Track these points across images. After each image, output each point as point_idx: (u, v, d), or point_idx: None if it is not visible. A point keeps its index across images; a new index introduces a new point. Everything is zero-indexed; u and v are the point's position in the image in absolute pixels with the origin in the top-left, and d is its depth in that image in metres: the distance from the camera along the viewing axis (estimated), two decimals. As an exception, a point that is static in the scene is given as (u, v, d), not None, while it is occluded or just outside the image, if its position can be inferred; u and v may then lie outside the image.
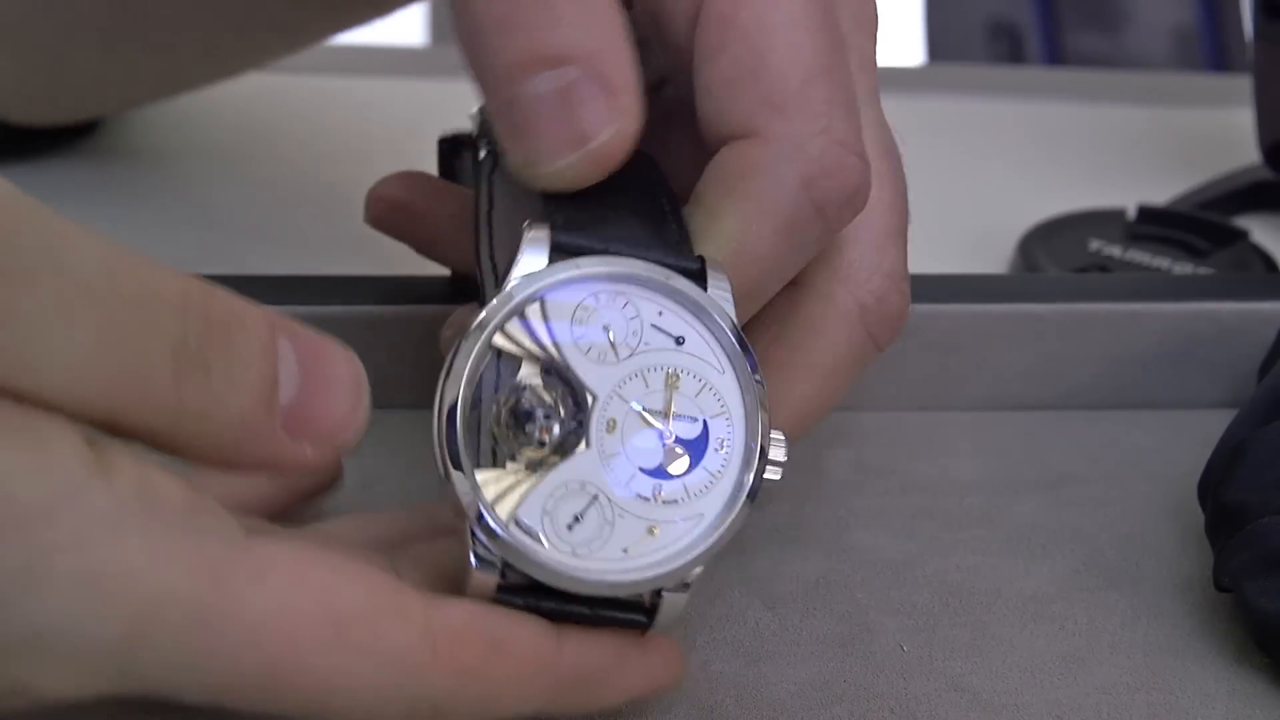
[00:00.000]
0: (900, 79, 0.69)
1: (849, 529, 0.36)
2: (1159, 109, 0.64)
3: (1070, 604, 0.34)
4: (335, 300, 0.38)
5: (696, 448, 0.26)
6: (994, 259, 0.51)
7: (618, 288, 0.26)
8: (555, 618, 0.26)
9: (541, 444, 0.26)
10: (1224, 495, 0.33)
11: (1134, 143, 0.61)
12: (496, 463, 0.26)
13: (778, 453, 0.27)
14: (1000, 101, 0.65)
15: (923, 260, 0.38)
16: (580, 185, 0.27)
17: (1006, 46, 1.29)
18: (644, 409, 0.26)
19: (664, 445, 0.26)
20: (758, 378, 0.27)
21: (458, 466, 0.25)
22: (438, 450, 0.25)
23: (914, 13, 1.36)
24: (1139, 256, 0.49)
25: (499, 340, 0.26)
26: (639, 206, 0.28)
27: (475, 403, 0.26)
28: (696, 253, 0.28)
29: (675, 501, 0.26)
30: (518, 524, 0.25)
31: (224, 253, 0.48)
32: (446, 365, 0.26)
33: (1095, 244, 0.50)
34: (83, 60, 0.49)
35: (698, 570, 0.26)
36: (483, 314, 0.26)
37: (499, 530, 0.25)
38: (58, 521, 0.21)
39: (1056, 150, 0.61)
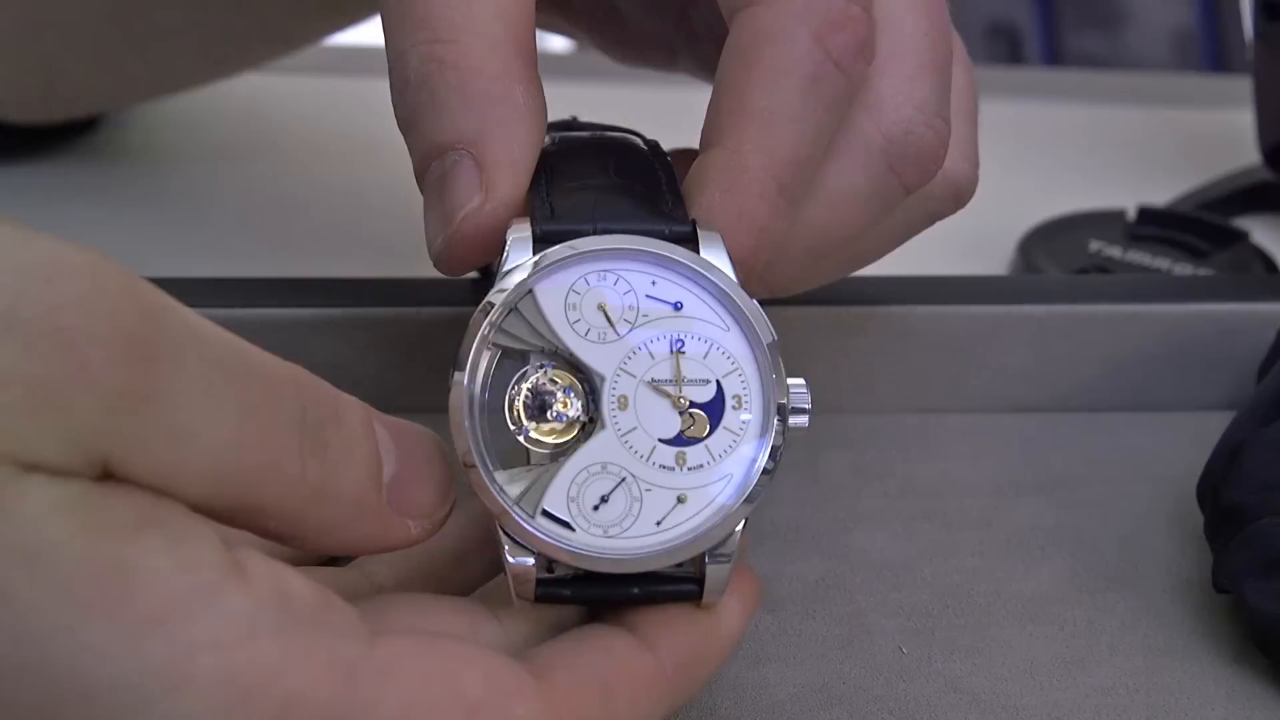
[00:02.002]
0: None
1: (848, 531, 0.36)
2: (1159, 110, 0.64)
3: (1069, 605, 0.34)
4: (335, 302, 0.38)
5: (713, 409, 0.26)
6: (994, 260, 0.51)
7: (605, 265, 0.26)
8: (607, 604, 0.26)
9: (563, 431, 0.26)
10: (1223, 497, 0.33)
11: (1134, 144, 0.61)
12: (518, 460, 0.26)
13: (800, 399, 0.27)
14: (1000, 102, 0.64)
15: (923, 261, 0.38)
16: (458, 268, 0.28)
17: (1006, 47, 1.29)
18: (653, 380, 0.26)
19: (679, 412, 0.26)
20: (768, 331, 0.27)
21: (478, 470, 0.25)
22: (459, 458, 0.25)
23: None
24: (1139, 257, 0.49)
25: (500, 339, 0.26)
26: (629, 185, 0.28)
27: (489, 404, 0.26)
28: (696, 220, 0.28)
29: (701, 466, 0.26)
30: (545, 514, 0.25)
31: (222, 253, 0.48)
32: (453, 372, 0.26)
33: (1095, 245, 0.50)
34: (78, 64, 0.49)
35: (737, 531, 0.26)
36: (478, 317, 0.26)
37: (526, 524, 0.25)
38: (197, 621, 0.21)
39: (1056, 151, 0.61)
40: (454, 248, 0.28)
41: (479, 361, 0.26)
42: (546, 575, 0.26)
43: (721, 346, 0.27)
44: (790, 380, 0.27)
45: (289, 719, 0.21)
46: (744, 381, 0.26)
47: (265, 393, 0.23)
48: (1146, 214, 0.51)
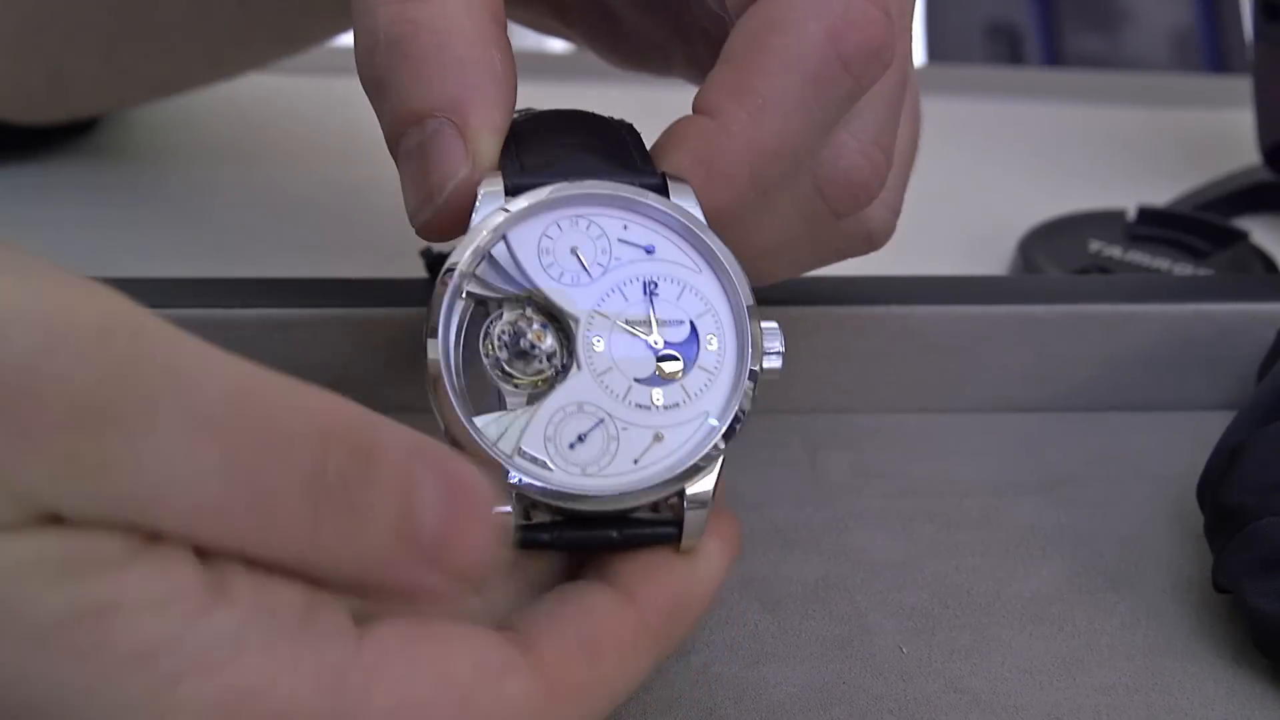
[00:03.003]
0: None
1: (848, 531, 0.36)
2: (1159, 110, 0.64)
3: (1069, 605, 0.34)
4: (335, 303, 0.38)
5: (688, 349, 0.27)
6: (994, 260, 0.51)
7: (577, 211, 0.27)
8: (585, 546, 0.26)
9: (538, 377, 0.26)
10: (1223, 496, 0.33)
11: (1134, 144, 0.61)
12: (497, 406, 0.26)
13: (773, 340, 0.27)
14: (1000, 103, 0.65)
15: (923, 261, 0.38)
16: (445, 236, 0.28)
17: (1006, 48, 1.29)
18: (627, 321, 0.26)
19: (654, 352, 0.26)
20: (740, 273, 0.27)
21: (458, 417, 0.25)
22: (435, 407, 0.25)
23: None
24: (1139, 257, 0.49)
25: (474, 288, 0.26)
26: (597, 144, 0.29)
27: (465, 354, 0.26)
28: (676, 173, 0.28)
29: (677, 405, 0.26)
30: (522, 454, 0.25)
31: (222, 253, 0.48)
32: (428, 323, 0.26)
33: (1095, 245, 0.50)
34: (83, 64, 0.49)
35: (715, 471, 0.26)
36: (450, 266, 0.26)
37: (505, 464, 0.25)
38: (180, 649, 0.20)
39: (1056, 151, 0.61)
40: (442, 216, 0.28)
41: (451, 316, 0.26)
42: (525, 522, 0.26)
43: (694, 288, 0.27)
44: (764, 323, 0.27)
45: None
46: (718, 321, 0.27)
47: (267, 445, 0.21)
48: (1146, 214, 0.51)
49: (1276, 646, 0.31)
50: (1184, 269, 0.48)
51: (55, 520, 0.20)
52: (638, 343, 0.26)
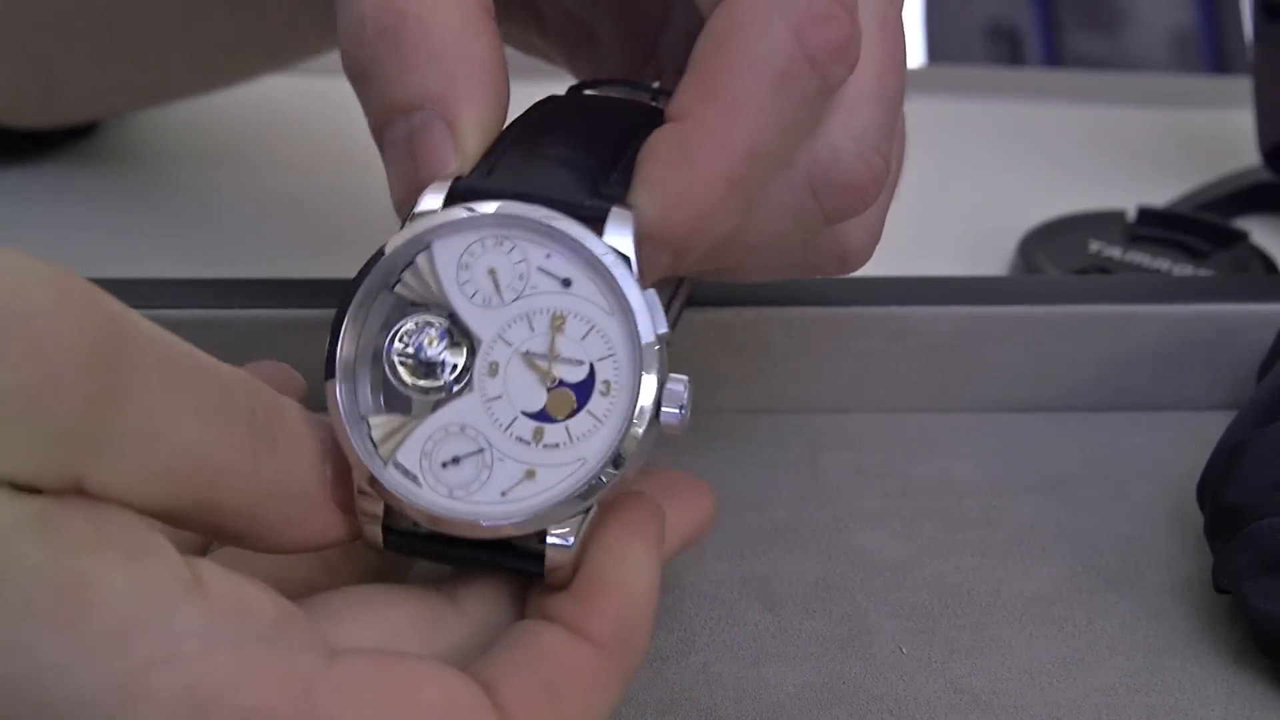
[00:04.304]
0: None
1: (848, 531, 0.36)
2: (1159, 110, 0.64)
3: (1069, 605, 0.34)
4: (335, 303, 0.38)
5: (581, 391, 0.26)
6: (994, 260, 0.51)
7: (503, 231, 0.26)
8: (451, 562, 0.26)
9: (432, 389, 0.26)
10: (1223, 497, 0.33)
11: (1134, 144, 0.61)
12: (393, 408, 0.26)
13: (674, 398, 0.26)
14: (1000, 103, 0.65)
15: (923, 262, 0.38)
16: None
17: (1006, 48, 1.29)
18: (528, 351, 0.26)
19: (546, 388, 0.26)
20: (657, 325, 0.26)
21: (343, 408, 0.25)
22: (329, 389, 0.26)
23: (913, 15, 1.36)
24: (1139, 258, 0.49)
25: (399, 288, 0.26)
26: (581, 158, 0.28)
27: (374, 350, 0.26)
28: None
29: (556, 445, 0.26)
30: (395, 465, 0.25)
31: (221, 255, 0.48)
32: (341, 311, 0.26)
33: (1095, 245, 0.50)
34: (76, 72, 0.50)
35: (587, 515, 0.26)
36: (377, 258, 0.26)
37: (376, 472, 0.25)
38: (153, 636, 0.21)
39: (1056, 152, 0.61)
40: None
41: (368, 307, 0.26)
42: (391, 524, 0.26)
43: (602, 330, 0.26)
44: (673, 375, 0.26)
45: None
46: (617, 370, 0.26)
47: (219, 394, 0.23)
48: (1146, 214, 0.51)
49: (1276, 647, 0.31)
50: (1184, 269, 0.48)
51: (67, 486, 0.21)
52: (532, 376, 0.26)
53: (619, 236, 0.26)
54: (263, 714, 0.21)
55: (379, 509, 0.26)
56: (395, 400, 0.26)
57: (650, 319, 0.26)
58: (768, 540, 0.36)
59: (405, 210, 0.28)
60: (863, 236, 0.32)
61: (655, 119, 0.28)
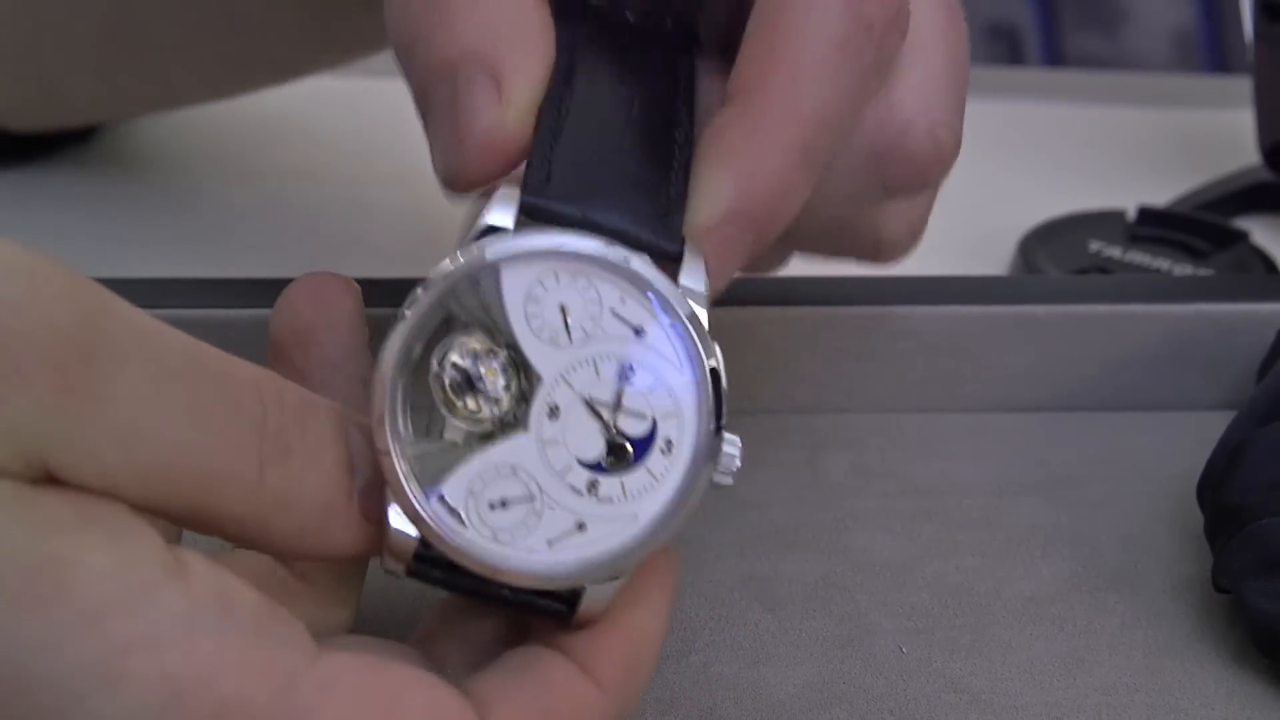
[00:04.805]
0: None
1: (848, 531, 0.36)
2: (1159, 110, 0.64)
3: (1069, 605, 0.34)
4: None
5: (641, 447, 0.25)
6: (994, 260, 0.51)
7: (579, 267, 0.25)
8: (475, 597, 0.25)
9: (480, 419, 0.24)
10: (1223, 496, 0.33)
11: (1134, 144, 0.61)
12: (431, 430, 0.24)
13: (729, 461, 0.25)
14: (1000, 103, 0.65)
15: (922, 262, 0.38)
16: (480, 184, 0.27)
17: (1006, 48, 1.29)
18: (591, 398, 0.25)
19: (606, 439, 0.25)
20: (721, 384, 0.25)
21: (385, 430, 0.24)
22: (372, 406, 0.24)
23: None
24: (1139, 258, 0.49)
25: (451, 305, 0.25)
26: (636, 172, 0.27)
27: (421, 365, 0.24)
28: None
29: (610, 500, 0.25)
30: (441, 500, 0.24)
31: (223, 257, 0.48)
32: (397, 321, 0.24)
33: (1095, 245, 0.50)
34: (77, 78, 0.50)
35: (628, 568, 0.25)
36: (437, 273, 0.24)
37: (419, 505, 0.24)
38: (132, 619, 0.20)
39: (1056, 151, 0.61)
40: (470, 168, 0.27)
41: (421, 319, 0.24)
42: (423, 552, 0.24)
43: (669, 386, 0.25)
44: (727, 437, 0.25)
45: None
46: (680, 429, 0.25)
47: (220, 396, 0.22)
48: (1146, 214, 0.51)
49: (1276, 646, 0.31)
50: (1184, 269, 0.48)
51: (39, 476, 0.20)
52: (594, 424, 0.25)
53: (693, 283, 0.26)
54: (241, 703, 0.21)
55: (413, 546, 0.24)
56: (427, 423, 0.24)
57: (721, 378, 0.25)
58: (768, 540, 0.36)
59: (452, 166, 0.27)
60: (900, 228, 0.32)
61: (667, 90, 0.28)
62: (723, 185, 0.26)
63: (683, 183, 0.27)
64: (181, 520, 0.23)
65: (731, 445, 0.25)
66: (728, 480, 0.26)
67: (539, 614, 0.25)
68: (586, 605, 0.25)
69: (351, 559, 0.25)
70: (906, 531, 0.36)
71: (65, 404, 0.20)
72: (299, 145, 0.57)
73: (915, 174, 0.30)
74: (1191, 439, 0.38)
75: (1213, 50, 1.24)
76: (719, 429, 0.25)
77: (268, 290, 0.38)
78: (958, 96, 0.30)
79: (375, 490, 0.24)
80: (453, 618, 0.27)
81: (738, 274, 0.28)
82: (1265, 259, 0.50)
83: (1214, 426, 0.36)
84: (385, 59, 0.62)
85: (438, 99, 0.27)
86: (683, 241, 0.26)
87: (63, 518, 0.21)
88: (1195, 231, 0.50)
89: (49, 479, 0.21)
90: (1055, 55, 1.27)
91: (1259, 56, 0.55)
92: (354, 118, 0.59)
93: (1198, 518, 0.34)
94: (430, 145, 0.28)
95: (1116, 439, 0.40)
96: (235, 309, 0.37)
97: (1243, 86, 0.57)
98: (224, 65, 0.49)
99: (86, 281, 0.21)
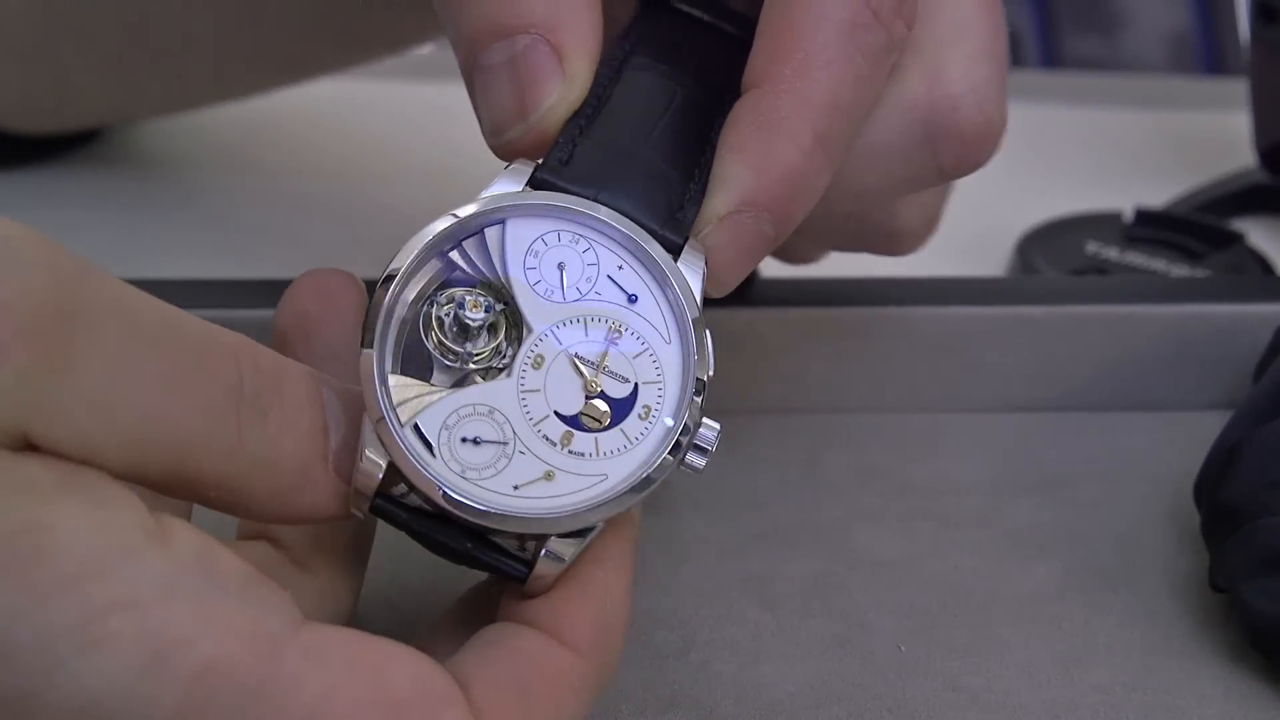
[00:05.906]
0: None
1: (847, 530, 0.36)
2: (1156, 112, 0.65)
3: (1067, 604, 0.34)
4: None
5: (620, 409, 0.25)
6: (991, 261, 0.51)
7: (582, 230, 0.26)
8: (432, 545, 0.25)
9: (467, 366, 0.25)
10: (1220, 496, 0.33)
11: (1131, 146, 0.61)
12: (419, 368, 0.25)
13: (706, 439, 0.26)
14: (997, 104, 0.65)
15: (921, 262, 0.38)
16: (525, 155, 0.27)
17: (1004, 49, 1.29)
18: (576, 355, 0.25)
19: (586, 395, 0.25)
20: (709, 365, 0.26)
21: (373, 364, 0.24)
22: (363, 333, 0.25)
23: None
24: (1136, 259, 0.49)
25: (454, 254, 0.26)
26: (661, 165, 0.27)
27: (413, 310, 0.25)
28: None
29: (583, 455, 0.25)
30: (415, 429, 0.24)
31: (223, 254, 0.48)
32: (397, 260, 0.25)
33: (1092, 246, 0.50)
34: (90, 78, 0.50)
35: (590, 532, 0.25)
36: (443, 222, 0.25)
37: (394, 429, 0.24)
38: (113, 581, 0.20)
39: (1054, 153, 0.61)
40: (531, 137, 0.27)
41: (423, 261, 0.25)
42: (391, 493, 0.25)
43: (655, 355, 0.26)
44: (706, 420, 0.26)
45: (206, 686, 0.21)
46: (660, 398, 0.25)
47: (197, 362, 0.22)
48: (1143, 216, 0.51)
49: (1273, 645, 0.31)
50: (1180, 270, 0.49)
51: (18, 445, 0.21)
52: (576, 380, 0.25)
53: (692, 268, 0.26)
54: (225, 665, 0.21)
55: (378, 474, 0.24)
56: (414, 363, 0.25)
57: (707, 359, 0.26)
58: (768, 540, 0.36)
59: (511, 134, 0.27)
60: (916, 218, 0.32)
61: (709, 92, 0.28)
62: (737, 175, 0.27)
63: (706, 180, 0.27)
64: (162, 486, 0.23)
65: (709, 428, 0.26)
66: (700, 463, 0.26)
67: (498, 574, 0.25)
68: (541, 565, 0.25)
69: (324, 520, 0.25)
70: (905, 531, 0.36)
71: (43, 371, 0.20)
72: (303, 146, 0.57)
73: (968, 152, 0.30)
74: (1188, 439, 0.38)
75: (1209, 52, 1.25)
76: (699, 402, 0.26)
77: (272, 291, 0.38)
78: (1000, 74, 0.30)
79: (349, 453, 0.24)
80: (446, 632, 0.28)
81: (781, 265, 0.28)
82: (1261, 260, 0.50)
83: (1210, 426, 0.36)
84: (392, 61, 0.63)
85: (491, 63, 0.27)
86: (683, 240, 0.27)
87: (42, 484, 0.21)
88: (1192, 233, 0.51)
89: (28, 446, 0.21)
90: (1053, 57, 1.27)
91: (1255, 59, 0.55)
92: (361, 119, 0.59)
93: (1195, 517, 0.35)
94: (478, 109, 0.28)
95: (1114, 439, 0.40)
96: (240, 309, 0.37)
97: (1239, 89, 0.57)
98: (242, 64, 0.49)
99: (62, 249, 0.21)
